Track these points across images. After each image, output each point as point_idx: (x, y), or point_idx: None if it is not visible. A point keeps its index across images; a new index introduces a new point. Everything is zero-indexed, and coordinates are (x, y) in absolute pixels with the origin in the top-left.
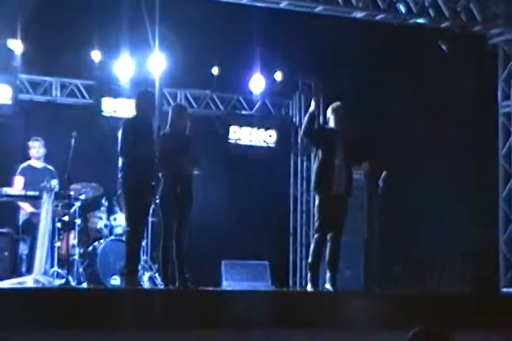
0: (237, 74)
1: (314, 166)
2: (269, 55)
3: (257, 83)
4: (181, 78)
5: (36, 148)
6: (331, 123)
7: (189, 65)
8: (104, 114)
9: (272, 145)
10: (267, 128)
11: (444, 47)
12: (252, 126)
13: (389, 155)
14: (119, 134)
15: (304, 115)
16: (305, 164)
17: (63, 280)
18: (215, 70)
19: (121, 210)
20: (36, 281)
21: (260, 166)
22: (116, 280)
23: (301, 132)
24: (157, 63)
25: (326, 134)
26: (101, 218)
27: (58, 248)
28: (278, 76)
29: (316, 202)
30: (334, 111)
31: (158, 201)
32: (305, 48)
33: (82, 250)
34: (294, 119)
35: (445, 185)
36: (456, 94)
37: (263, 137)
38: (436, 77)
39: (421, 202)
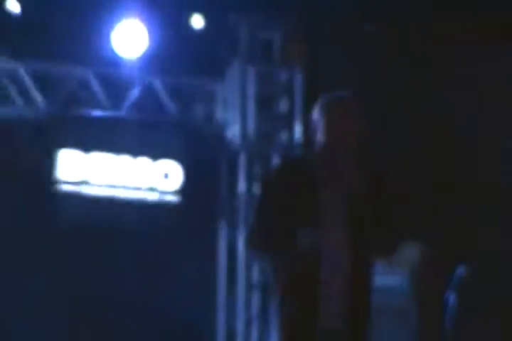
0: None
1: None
2: None
3: (128, 40)
4: None
5: None
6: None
7: None
8: None
9: (171, 198)
10: (157, 157)
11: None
12: (120, 150)
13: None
14: None
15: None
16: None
17: None
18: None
19: None
20: None
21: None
22: None
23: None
24: None
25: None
26: None
27: None
28: (194, 22)
29: None
30: (326, 110)
31: None
32: None
33: None
34: (230, 132)
35: None
36: None
37: (149, 180)
38: None
39: None
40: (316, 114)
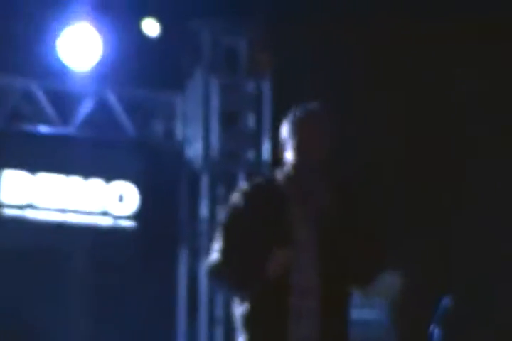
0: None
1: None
2: None
3: (77, 48)
4: None
5: None
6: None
7: None
8: None
9: (126, 223)
10: (111, 178)
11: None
12: (70, 171)
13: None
14: None
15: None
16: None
17: None
18: None
19: None
20: None
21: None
22: None
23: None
24: None
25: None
26: None
27: None
28: (149, 28)
29: None
30: (297, 128)
31: None
32: None
33: None
34: (191, 150)
35: None
36: None
37: (102, 203)
38: None
39: None
40: (285, 131)
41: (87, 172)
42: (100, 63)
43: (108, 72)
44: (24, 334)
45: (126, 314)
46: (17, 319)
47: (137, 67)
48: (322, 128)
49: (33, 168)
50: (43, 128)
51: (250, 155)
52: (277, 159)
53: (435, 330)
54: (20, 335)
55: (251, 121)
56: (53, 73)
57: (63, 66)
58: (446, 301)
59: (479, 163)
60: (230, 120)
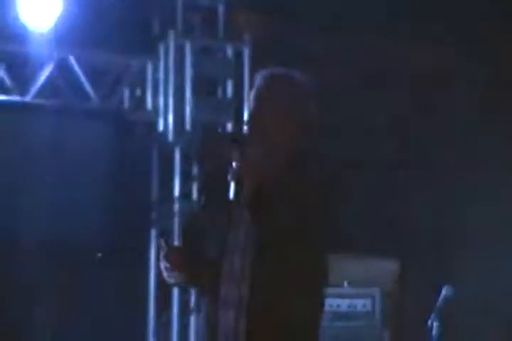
0: None
1: None
2: None
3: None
4: None
5: None
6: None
7: None
8: None
9: None
10: None
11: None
12: None
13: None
14: None
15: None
16: None
17: None
18: None
19: None
20: None
21: None
22: None
23: None
24: None
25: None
26: None
27: None
28: None
29: None
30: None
31: None
32: None
33: None
34: (162, 123)
35: None
36: None
37: None
38: None
39: None
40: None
41: None
42: (61, 24)
43: (69, 34)
44: None
45: (96, 299)
46: None
47: (104, 29)
48: (282, 102)
49: None
50: None
51: (229, 127)
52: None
53: (434, 323)
54: None
55: (229, 89)
56: (8, 36)
57: (20, 27)
58: (447, 291)
59: None
60: (206, 88)
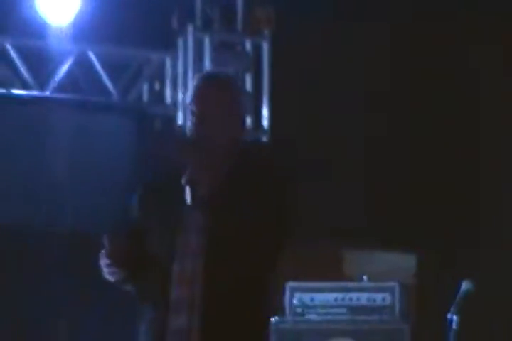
0: None
1: None
2: None
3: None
4: None
5: None
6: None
7: None
8: None
9: None
10: None
11: None
12: None
13: None
14: None
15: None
16: None
17: None
18: None
19: None
20: None
21: None
22: None
23: None
24: None
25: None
26: None
27: None
28: None
29: None
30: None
31: None
32: None
33: None
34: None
35: None
36: None
37: None
38: None
39: None
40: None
41: None
42: (80, 19)
43: (89, 29)
44: None
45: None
46: None
47: (123, 24)
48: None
49: None
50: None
51: (248, 121)
52: None
53: (453, 317)
54: None
55: (248, 84)
56: (27, 30)
57: (40, 22)
58: (467, 285)
59: None
60: None
